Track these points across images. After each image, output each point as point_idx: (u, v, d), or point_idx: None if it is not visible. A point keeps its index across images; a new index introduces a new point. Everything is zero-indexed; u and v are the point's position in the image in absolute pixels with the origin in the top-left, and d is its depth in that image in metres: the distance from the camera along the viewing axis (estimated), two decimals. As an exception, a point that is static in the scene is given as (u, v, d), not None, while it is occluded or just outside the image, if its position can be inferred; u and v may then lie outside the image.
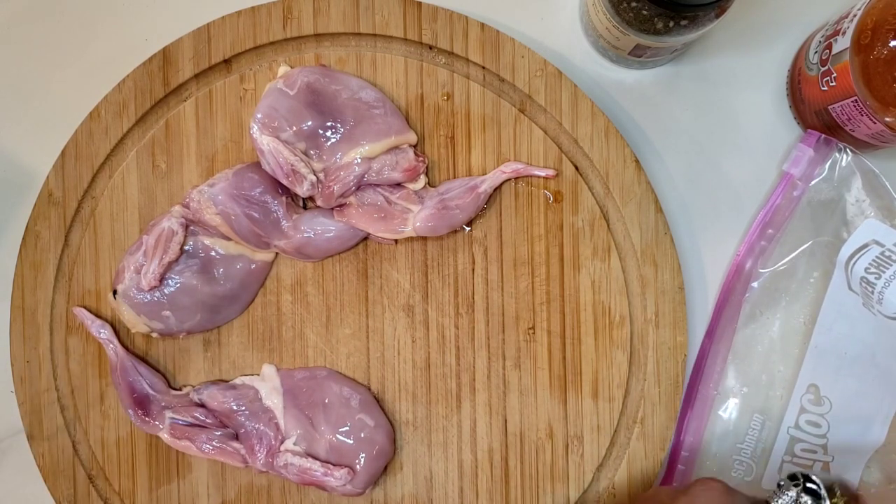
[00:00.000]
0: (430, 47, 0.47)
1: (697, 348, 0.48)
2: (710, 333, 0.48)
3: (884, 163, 0.47)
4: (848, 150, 0.46)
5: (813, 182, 0.47)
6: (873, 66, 0.38)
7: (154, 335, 0.47)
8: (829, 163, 0.47)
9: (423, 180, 0.47)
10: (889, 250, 0.45)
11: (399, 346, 0.48)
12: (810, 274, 0.47)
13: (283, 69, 0.46)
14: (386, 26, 0.47)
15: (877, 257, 0.45)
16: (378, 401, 0.48)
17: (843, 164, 0.46)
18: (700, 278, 0.49)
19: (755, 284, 0.47)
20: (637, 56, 0.45)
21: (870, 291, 0.45)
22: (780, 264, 0.47)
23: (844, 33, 0.40)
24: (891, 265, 0.45)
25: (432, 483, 0.48)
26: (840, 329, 0.46)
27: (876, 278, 0.45)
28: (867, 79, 0.39)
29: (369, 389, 0.48)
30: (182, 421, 0.47)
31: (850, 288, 0.46)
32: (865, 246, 0.46)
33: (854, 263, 0.46)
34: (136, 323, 0.46)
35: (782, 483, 0.38)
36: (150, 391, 0.47)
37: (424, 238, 0.47)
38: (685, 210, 0.49)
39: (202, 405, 0.47)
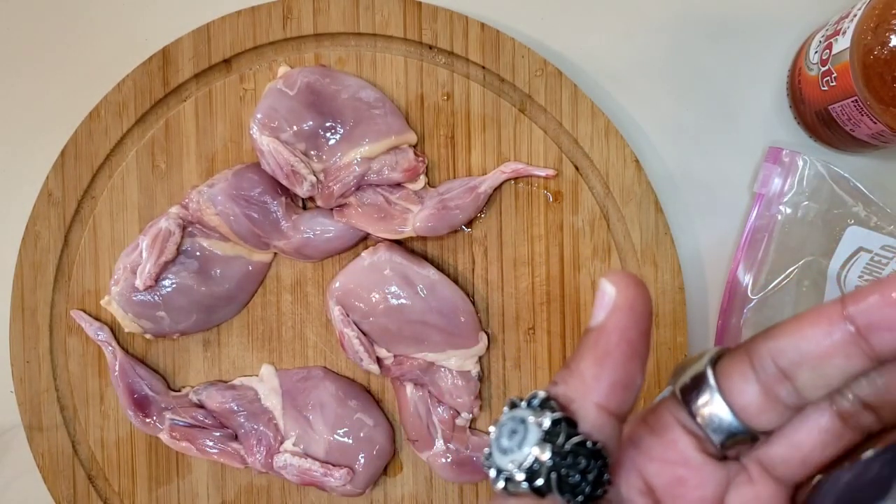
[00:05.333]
0: (430, 47, 0.47)
1: (697, 352, 0.48)
2: None
3: (853, 166, 0.47)
4: (814, 160, 0.46)
5: (786, 198, 0.47)
6: (873, 66, 0.38)
7: (147, 336, 0.47)
8: (797, 177, 0.46)
9: (422, 180, 0.47)
10: (878, 255, 0.45)
11: (399, 347, 0.48)
12: (803, 291, 0.47)
13: (282, 69, 0.46)
14: (386, 26, 0.47)
15: (867, 264, 0.45)
16: (378, 401, 0.48)
17: (812, 175, 0.46)
18: (700, 279, 0.49)
19: (750, 309, 0.47)
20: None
21: None
22: (770, 287, 0.47)
23: (845, 33, 0.40)
24: (883, 269, 0.44)
25: (432, 483, 0.48)
26: None
27: None
28: (867, 79, 0.39)
29: (368, 390, 0.48)
30: (182, 422, 0.47)
31: None
32: (853, 255, 0.45)
33: (846, 275, 0.45)
34: (129, 323, 0.46)
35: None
36: (150, 392, 0.47)
37: (424, 238, 0.47)
38: (685, 210, 0.49)
39: (201, 406, 0.47)
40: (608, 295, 0.22)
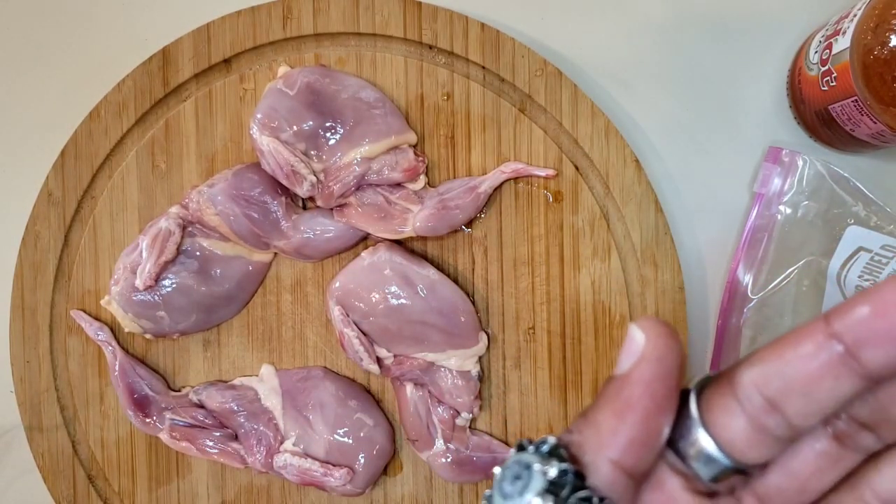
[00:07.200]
0: (430, 47, 0.47)
1: (696, 352, 0.48)
2: (715, 363, 0.48)
3: (853, 166, 0.47)
4: (814, 160, 0.46)
5: (786, 198, 0.47)
6: (873, 66, 0.38)
7: (148, 336, 0.47)
8: (797, 176, 0.47)
9: (422, 180, 0.47)
10: (878, 254, 0.45)
11: (399, 347, 0.48)
12: (803, 291, 0.47)
13: (282, 69, 0.46)
14: (386, 26, 0.47)
15: (867, 264, 0.45)
16: (378, 401, 0.48)
17: (812, 175, 0.46)
18: (700, 278, 0.49)
19: (750, 309, 0.47)
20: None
21: None
22: (770, 287, 0.47)
23: (845, 33, 0.40)
24: (883, 269, 0.44)
25: (432, 483, 0.48)
26: None
27: (872, 284, 0.44)
28: (867, 79, 0.39)
29: (368, 390, 0.48)
30: (182, 422, 0.47)
31: (846, 298, 0.46)
32: (853, 255, 0.45)
33: (846, 275, 0.45)
34: (129, 323, 0.46)
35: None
36: (150, 392, 0.47)
37: (424, 238, 0.47)
38: (685, 210, 0.49)
39: (201, 406, 0.47)
40: (636, 342, 0.20)
